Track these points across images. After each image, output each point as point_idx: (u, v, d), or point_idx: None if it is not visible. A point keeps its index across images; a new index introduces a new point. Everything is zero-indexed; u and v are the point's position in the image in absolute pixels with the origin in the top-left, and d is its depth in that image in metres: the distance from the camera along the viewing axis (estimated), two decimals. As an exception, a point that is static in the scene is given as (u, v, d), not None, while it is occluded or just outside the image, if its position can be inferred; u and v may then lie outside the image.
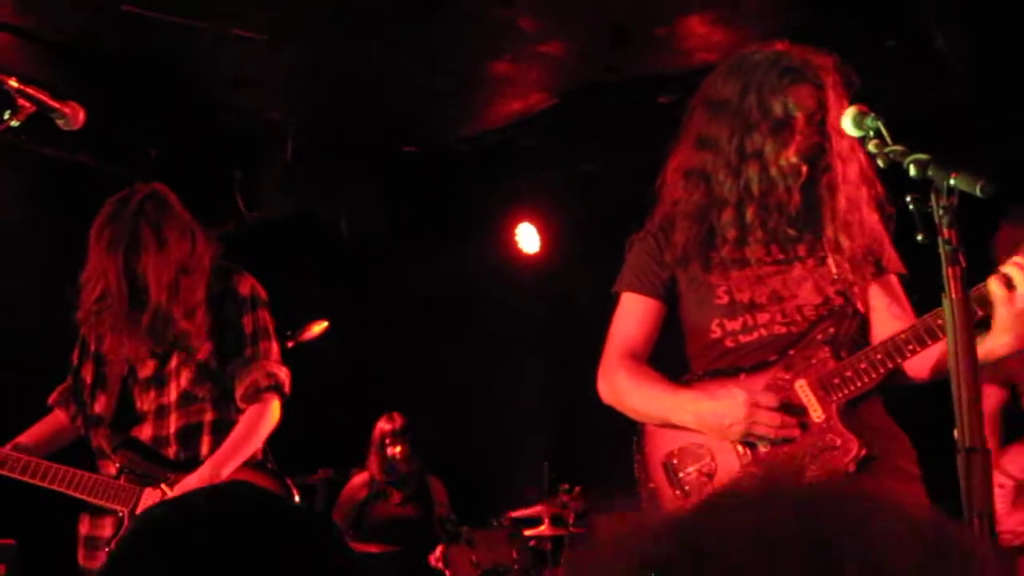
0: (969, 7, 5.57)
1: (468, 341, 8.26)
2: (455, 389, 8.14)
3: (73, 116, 3.18)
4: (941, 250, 2.08)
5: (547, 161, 7.65)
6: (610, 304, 7.78)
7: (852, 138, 2.89)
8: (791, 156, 2.90)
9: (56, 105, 3.14)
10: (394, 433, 7.04)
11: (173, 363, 3.96)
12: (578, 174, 7.65)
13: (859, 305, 2.94)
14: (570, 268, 7.89)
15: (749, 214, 2.95)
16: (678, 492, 2.97)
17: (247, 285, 4.07)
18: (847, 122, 2.70)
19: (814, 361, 2.85)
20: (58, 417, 4.17)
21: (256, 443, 3.92)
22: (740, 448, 2.88)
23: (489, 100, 7.16)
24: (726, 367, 2.98)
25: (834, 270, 2.94)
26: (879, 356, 2.77)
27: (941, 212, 2.09)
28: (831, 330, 2.88)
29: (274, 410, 3.97)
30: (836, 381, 2.82)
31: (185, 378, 3.94)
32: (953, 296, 2.05)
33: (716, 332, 3.00)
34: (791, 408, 2.82)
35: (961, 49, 5.67)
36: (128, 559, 1.19)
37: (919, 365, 2.87)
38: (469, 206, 8.07)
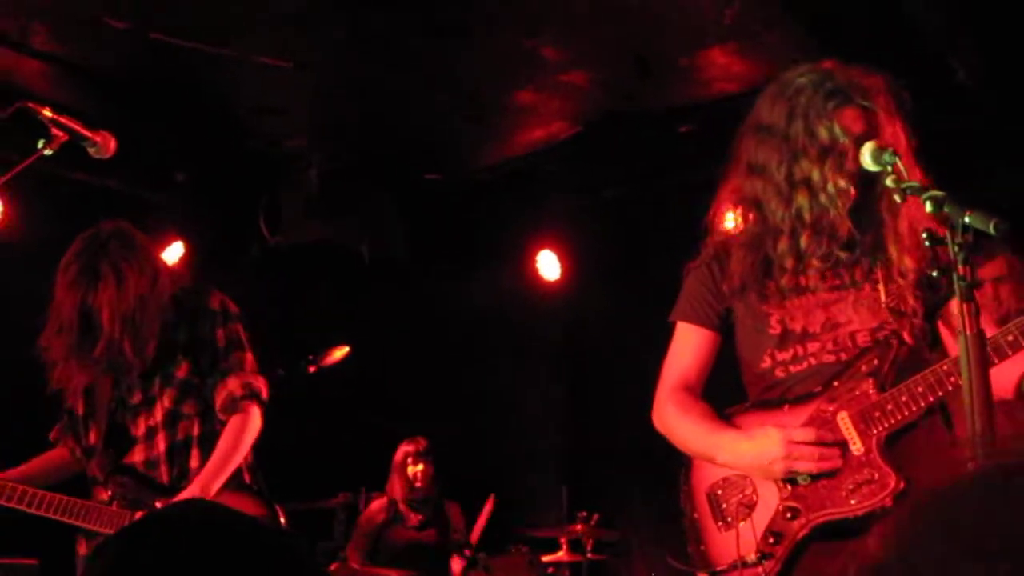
0: (983, 37, 5.61)
1: (488, 368, 8.28)
2: (474, 415, 8.15)
3: (104, 145, 3.25)
4: (956, 286, 2.10)
5: (568, 189, 7.70)
6: (630, 332, 7.81)
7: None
8: (840, 181, 2.86)
9: (88, 134, 3.21)
10: (417, 453, 7.09)
11: (155, 387, 4.09)
12: (599, 202, 7.69)
13: (906, 336, 2.86)
14: (590, 296, 7.91)
15: (803, 241, 2.92)
16: (720, 523, 2.98)
17: (216, 300, 4.20)
18: (866, 157, 2.73)
19: (857, 393, 2.82)
20: (60, 452, 4.32)
21: (240, 454, 4.02)
22: (780, 482, 2.87)
23: (512, 128, 7.22)
24: (773, 399, 2.97)
25: (883, 298, 2.89)
26: (920, 389, 2.75)
27: (956, 248, 2.11)
28: (875, 362, 2.84)
29: (254, 418, 4.08)
30: (877, 414, 2.79)
31: (168, 398, 4.07)
32: (968, 333, 2.08)
33: (767, 362, 3.00)
34: (832, 441, 2.81)
35: (979, 78, 5.70)
36: None
37: (1001, 383, 2.76)
38: (490, 233, 8.11)
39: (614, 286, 7.73)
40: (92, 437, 4.16)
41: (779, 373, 2.97)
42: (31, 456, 4.31)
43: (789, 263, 2.95)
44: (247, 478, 4.13)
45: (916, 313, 2.87)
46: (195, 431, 4.07)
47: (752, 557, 2.84)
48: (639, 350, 7.55)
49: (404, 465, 7.09)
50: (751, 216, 3.06)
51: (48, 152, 3.14)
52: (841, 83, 2.93)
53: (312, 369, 6.32)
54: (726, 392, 3.14)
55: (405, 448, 7.13)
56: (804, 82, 2.98)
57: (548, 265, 8.03)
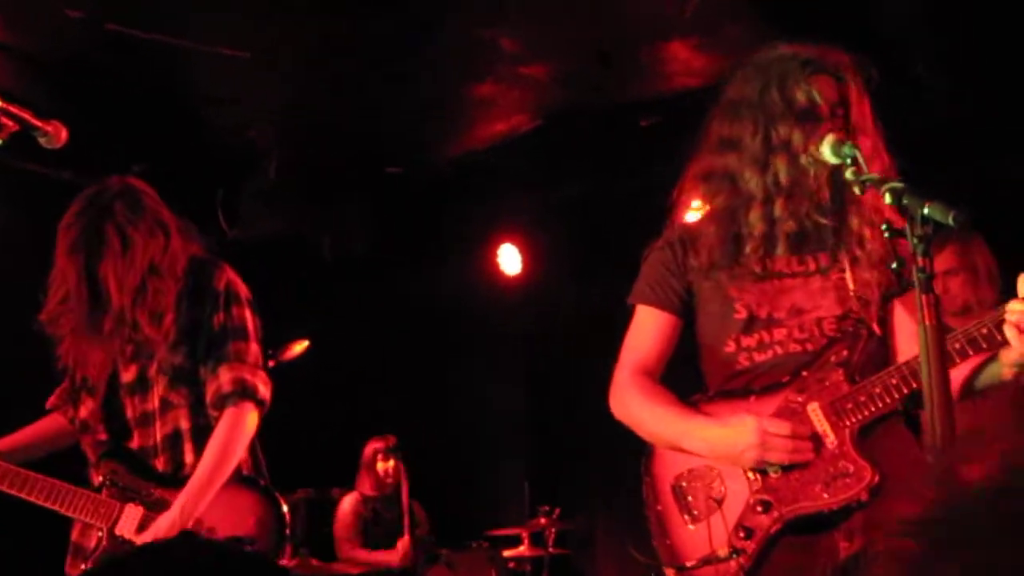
0: (947, 35, 5.65)
1: (449, 362, 8.26)
2: (435, 409, 8.13)
3: (56, 135, 3.17)
4: (915, 278, 2.09)
5: (529, 183, 7.68)
6: (592, 326, 7.80)
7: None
8: (819, 145, 2.81)
9: (39, 124, 3.12)
10: (387, 450, 7.10)
11: (152, 368, 3.72)
12: (560, 196, 7.68)
13: (875, 326, 2.83)
14: (552, 290, 7.91)
15: (778, 208, 2.88)
16: (686, 517, 2.91)
17: (222, 280, 3.78)
18: (825, 150, 2.72)
19: (827, 384, 2.79)
20: (56, 420, 3.98)
21: (229, 461, 3.63)
22: (751, 474, 2.82)
23: (472, 121, 7.20)
24: (738, 388, 2.92)
25: (851, 285, 2.86)
26: (894, 381, 2.71)
27: (916, 241, 2.10)
28: (844, 352, 2.81)
29: (244, 420, 3.66)
30: (849, 406, 2.75)
31: (162, 384, 3.70)
32: (927, 323, 2.07)
33: (731, 347, 2.94)
34: (803, 433, 2.76)
35: (940, 75, 5.73)
36: None
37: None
38: (451, 227, 8.08)
39: (576, 280, 7.72)
40: (84, 410, 3.81)
41: (743, 360, 2.92)
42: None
43: (759, 229, 2.88)
44: (245, 469, 3.76)
45: (880, 302, 2.84)
46: (184, 424, 3.69)
47: (723, 552, 2.78)
48: (601, 344, 7.55)
49: (374, 462, 7.09)
50: (722, 193, 2.99)
51: (-2, 142, 3.07)
52: (813, 55, 2.93)
53: (271, 364, 6.26)
54: (678, 381, 3.08)
55: (374, 445, 7.13)
56: (776, 54, 2.97)
57: (509, 259, 8.02)
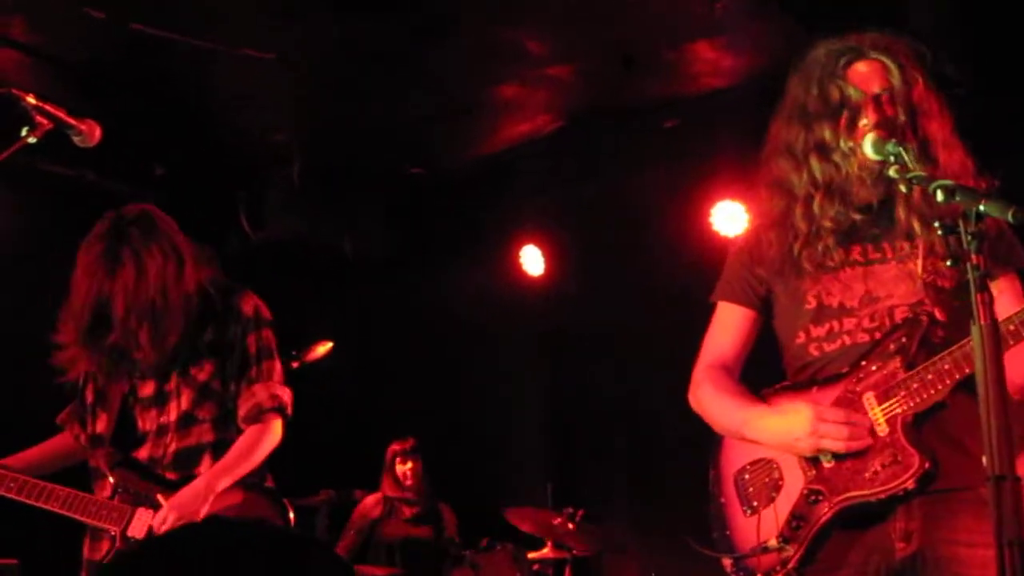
0: (975, 31, 5.61)
1: (471, 363, 8.24)
2: (458, 410, 8.12)
3: (90, 133, 3.18)
4: (970, 277, 2.05)
5: (553, 184, 7.66)
6: (614, 327, 7.77)
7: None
8: (854, 140, 2.80)
9: (73, 122, 3.14)
10: (405, 452, 7.15)
11: (172, 383, 3.93)
12: (583, 197, 7.65)
13: (938, 313, 2.77)
14: (574, 291, 7.88)
15: (816, 204, 2.89)
16: (745, 508, 2.95)
17: (250, 304, 4.03)
18: (867, 147, 2.69)
19: (884, 372, 2.76)
20: (65, 439, 4.16)
21: (254, 462, 3.88)
22: (805, 464, 2.83)
23: (496, 123, 7.18)
24: (804, 380, 2.93)
25: (920, 271, 2.81)
26: (947, 366, 2.66)
27: (970, 238, 2.07)
28: (903, 340, 2.77)
29: (276, 431, 3.94)
30: (902, 393, 2.72)
31: (186, 398, 3.91)
32: (982, 323, 2.04)
33: (801, 338, 2.94)
34: (858, 421, 2.74)
35: (968, 72, 5.69)
36: None
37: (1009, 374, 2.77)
38: (474, 228, 8.07)
39: (598, 281, 7.69)
40: (99, 426, 3.99)
41: (812, 351, 2.91)
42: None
43: (803, 227, 2.90)
44: (256, 476, 3.96)
45: (952, 290, 2.76)
46: (208, 438, 3.91)
47: (774, 542, 2.80)
48: (623, 346, 7.59)
49: (393, 464, 7.14)
50: (778, 196, 3.00)
51: (32, 140, 3.06)
52: (853, 42, 2.90)
53: (295, 365, 6.27)
54: (771, 379, 3.08)
55: (393, 448, 7.19)
56: (820, 51, 2.95)
57: (532, 260, 7.99)
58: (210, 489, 3.74)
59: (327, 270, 8.05)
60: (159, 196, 7.29)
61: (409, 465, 7.13)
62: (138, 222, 3.95)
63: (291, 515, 3.97)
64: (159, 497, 3.77)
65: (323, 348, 6.46)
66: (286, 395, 4.00)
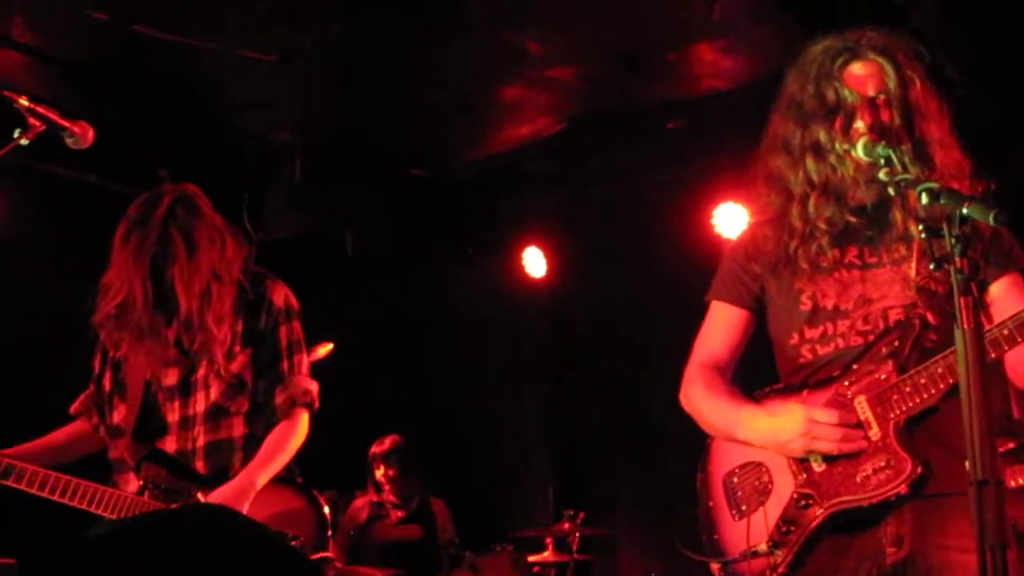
0: (977, 31, 5.59)
1: (473, 364, 8.24)
2: (459, 412, 8.11)
3: (82, 135, 3.18)
4: (953, 280, 2.04)
5: (555, 185, 7.66)
6: (616, 329, 7.77)
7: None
8: (849, 143, 2.78)
9: (66, 124, 3.14)
10: (378, 456, 7.01)
11: (201, 372, 3.80)
12: (585, 199, 7.65)
13: (931, 316, 2.75)
14: (577, 293, 7.87)
15: (811, 205, 2.88)
16: (734, 511, 2.94)
17: (281, 295, 3.95)
18: (859, 150, 2.69)
19: (876, 376, 2.74)
20: (79, 427, 4.02)
21: (288, 456, 3.80)
22: (795, 468, 2.82)
23: (497, 124, 7.18)
24: (796, 382, 2.92)
25: (913, 275, 2.81)
26: (940, 370, 2.64)
27: (954, 241, 2.06)
28: (896, 343, 2.75)
29: (303, 424, 3.86)
30: (895, 397, 2.70)
31: (216, 390, 3.78)
32: (965, 326, 2.03)
33: (795, 339, 2.93)
34: (850, 425, 2.73)
35: (969, 73, 5.67)
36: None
37: (1020, 372, 2.72)
38: (476, 229, 8.07)
39: (601, 283, 7.69)
40: (118, 416, 3.86)
41: (806, 353, 2.90)
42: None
43: (798, 226, 2.90)
44: (285, 471, 3.89)
45: (946, 294, 2.68)
46: (239, 431, 3.80)
47: (763, 547, 2.79)
48: (625, 347, 7.58)
49: (371, 468, 7.04)
50: (775, 193, 3.00)
51: (24, 142, 3.07)
52: (851, 41, 2.89)
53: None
54: (762, 381, 3.07)
55: (372, 450, 7.06)
56: (819, 48, 2.94)
57: (534, 262, 7.99)
58: (252, 485, 3.65)
59: (329, 270, 8.05)
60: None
61: (382, 471, 6.97)
62: (181, 201, 3.81)
63: (326, 509, 3.89)
64: (199, 495, 3.66)
65: (324, 349, 6.43)
66: (315, 388, 3.95)
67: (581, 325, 7.90)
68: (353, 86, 6.51)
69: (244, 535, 1.23)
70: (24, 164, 5.90)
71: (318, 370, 6.53)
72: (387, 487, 6.96)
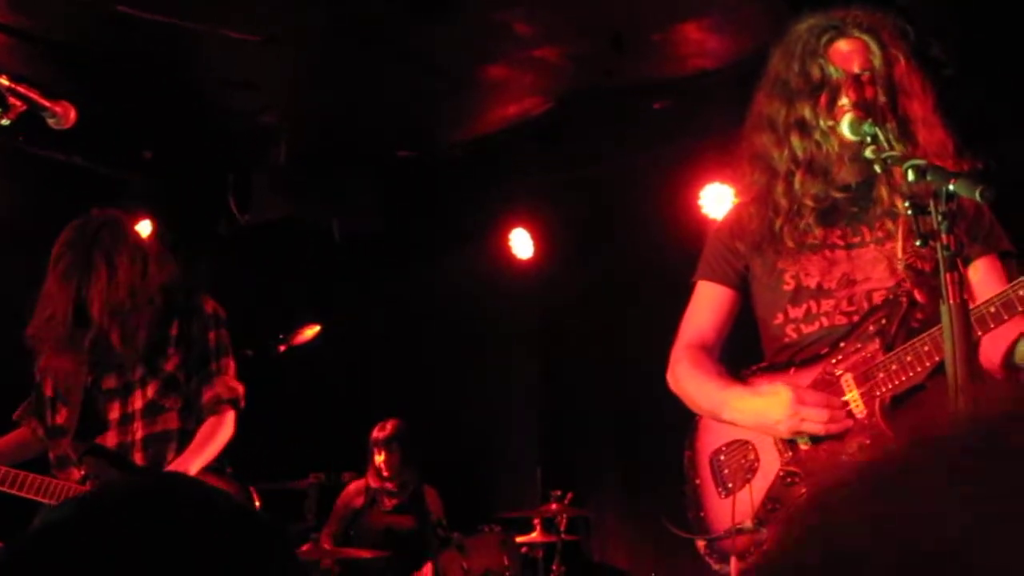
0: (965, 14, 5.59)
1: (460, 346, 8.23)
2: (447, 394, 8.10)
3: (64, 115, 3.15)
4: (940, 256, 2.05)
5: (541, 166, 7.63)
6: (604, 310, 7.76)
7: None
8: (834, 120, 2.79)
9: (47, 104, 3.11)
10: (379, 441, 6.96)
11: (137, 374, 4.19)
12: (573, 180, 7.63)
13: (918, 294, 2.75)
14: (564, 274, 7.86)
15: (797, 182, 2.89)
16: (720, 490, 2.95)
17: (210, 304, 4.35)
18: (844, 127, 2.68)
19: (863, 354, 2.75)
20: (22, 433, 4.37)
21: (217, 448, 4.13)
22: (781, 446, 2.83)
23: (484, 104, 7.15)
24: (782, 361, 2.93)
25: (900, 254, 2.79)
26: (926, 348, 2.63)
27: (940, 218, 2.06)
28: (883, 321, 2.76)
29: (230, 421, 4.22)
30: (881, 375, 2.70)
31: (152, 389, 4.18)
32: (951, 302, 2.03)
33: (779, 319, 2.94)
34: (837, 403, 2.73)
35: (956, 54, 5.67)
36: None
37: (989, 354, 2.70)
38: (463, 211, 8.04)
39: (588, 264, 7.68)
40: (60, 418, 4.21)
41: (791, 332, 2.92)
42: None
43: (783, 205, 2.90)
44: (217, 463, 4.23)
45: (933, 272, 2.69)
46: (174, 425, 4.17)
47: (749, 524, 2.79)
48: (613, 329, 7.59)
49: (371, 453, 6.99)
50: (759, 171, 3.01)
51: (5, 122, 3.04)
52: (836, 19, 2.90)
53: (282, 348, 6.23)
54: (750, 359, 3.09)
55: (374, 435, 7.00)
56: (804, 26, 2.95)
57: (521, 243, 7.97)
58: (187, 472, 3.89)
59: (315, 252, 8.03)
60: (147, 179, 7.30)
61: (383, 457, 6.91)
62: (107, 226, 4.22)
63: (256, 502, 4.25)
64: None
65: (310, 331, 6.41)
66: (241, 390, 4.31)
67: (568, 307, 7.89)
68: (338, 67, 6.48)
69: (202, 488, 1.23)
70: (7, 146, 5.87)
71: (308, 353, 6.57)
72: (387, 473, 6.92)
